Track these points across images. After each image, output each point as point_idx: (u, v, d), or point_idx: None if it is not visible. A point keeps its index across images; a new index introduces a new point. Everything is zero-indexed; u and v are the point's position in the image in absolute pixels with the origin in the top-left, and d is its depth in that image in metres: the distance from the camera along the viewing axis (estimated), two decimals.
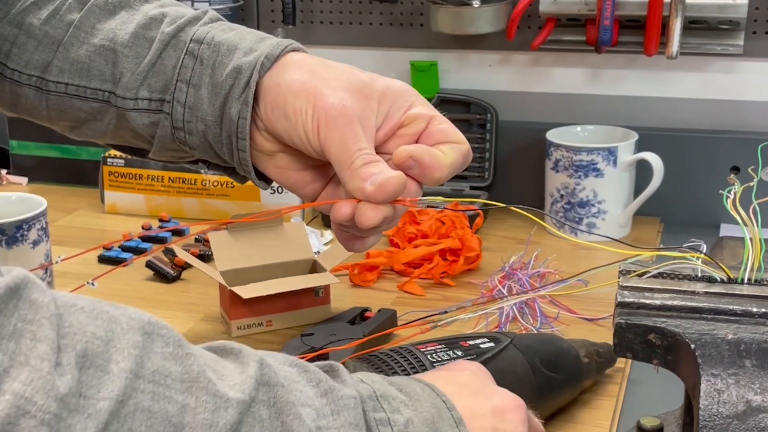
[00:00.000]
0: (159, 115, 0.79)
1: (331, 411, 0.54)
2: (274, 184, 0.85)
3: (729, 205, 0.73)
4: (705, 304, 0.71)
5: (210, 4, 1.55)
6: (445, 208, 0.69)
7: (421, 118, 0.75)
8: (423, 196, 0.75)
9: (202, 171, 1.38)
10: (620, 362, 1.02)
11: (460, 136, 0.75)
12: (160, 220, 1.44)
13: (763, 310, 0.70)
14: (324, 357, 1.02)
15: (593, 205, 1.39)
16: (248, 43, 0.77)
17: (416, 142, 0.75)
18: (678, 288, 0.72)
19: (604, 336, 0.98)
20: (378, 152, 0.73)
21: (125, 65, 0.80)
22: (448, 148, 0.74)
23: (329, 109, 0.72)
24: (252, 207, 1.40)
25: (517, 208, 0.70)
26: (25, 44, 0.83)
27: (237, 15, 1.59)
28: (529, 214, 0.72)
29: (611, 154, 1.37)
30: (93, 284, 0.87)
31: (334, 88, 0.73)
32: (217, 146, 0.77)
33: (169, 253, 1.27)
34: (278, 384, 0.52)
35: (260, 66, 0.74)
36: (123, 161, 1.48)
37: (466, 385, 0.65)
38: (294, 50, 0.77)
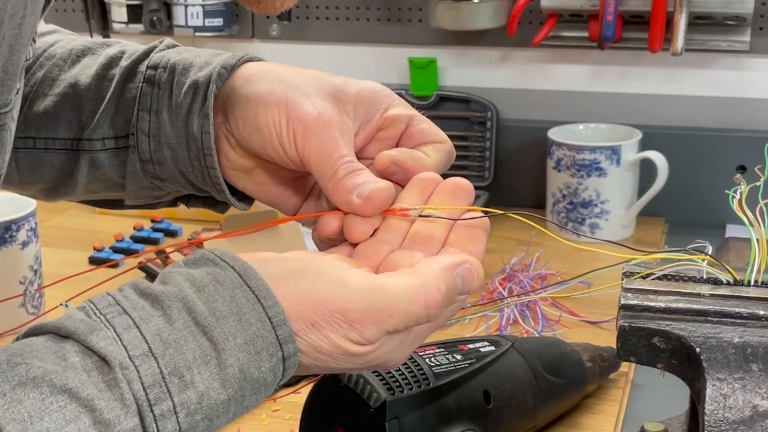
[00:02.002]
0: (126, 152, 0.77)
1: None
2: None
3: (735, 206, 0.73)
4: (710, 306, 0.70)
5: (203, 0, 1.54)
6: (438, 217, 0.66)
7: (400, 119, 0.73)
8: None
9: None
10: (624, 366, 1.02)
11: (441, 135, 0.73)
12: (152, 221, 1.43)
13: None
14: None
15: (596, 205, 1.38)
16: (203, 58, 0.76)
17: (397, 145, 0.73)
18: (683, 290, 0.72)
19: (608, 339, 0.99)
20: (358, 158, 0.71)
21: (90, 108, 0.79)
22: (431, 149, 0.72)
23: (304, 117, 0.69)
24: None
25: (515, 214, 0.68)
26: None
27: (231, 10, 1.58)
28: (529, 221, 0.69)
29: (614, 153, 1.36)
30: (66, 306, 0.85)
31: (307, 95, 0.70)
32: (187, 171, 0.75)
33: (162, 254, 1.26)
34: None
35: (217, 76, 0.72)
36: None
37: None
38: (251, 60, 0.75)
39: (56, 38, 0.84)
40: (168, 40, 0.80)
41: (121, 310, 0.55)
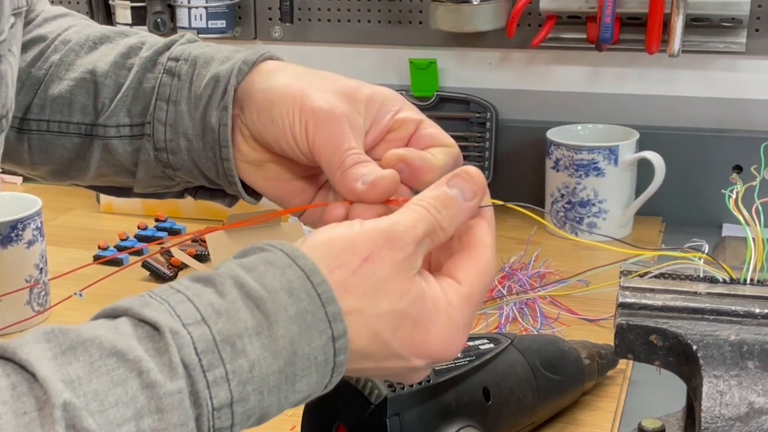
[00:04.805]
0: (141, 140, 0.79)
1: (155, 408, 0.51)
2: None
3: (731, 205, 0.73)
4: (707, 304, 0.71)
5: (207, 1, 1.54)
6: None
7: (410, 122, 0.74)
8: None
9: None
10: (621, 364, 1.01)
11: (449, 139, 0.74)
12: (156, 220, 1.43)
13: (766, 311, 0.69)
14: None
15: (594, 204, 1.38)
16: (225, 53, 0.78)
17: (405, 147, 0.74)
18: (680, 288, 0.73)
19: (606, 337, 0.98)
20: None
21: (106, 95, 0.80)
22: (438, 151, 0.73)
23: (317, 110, 0.71)
24: (249, 206, 1.39)
25: (516, 205, 0.69)
26: None
27: (234, 12, 1.59)
28: (529, 213, 0.71)
29: (612, 153, 1.36)
30: (81, 295, 0.86)
31: (321, 91, 0.72)
32: (200, 162, 0.76)
33: (166, 253, 1.26)
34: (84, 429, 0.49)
35: (237, 71, 0.74)
36: None
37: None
38: (270, 58, 0.76)
39: (70, 22, 0.86)
40: (189, 35, 0.82)
41: (175, 291, 0.56)
